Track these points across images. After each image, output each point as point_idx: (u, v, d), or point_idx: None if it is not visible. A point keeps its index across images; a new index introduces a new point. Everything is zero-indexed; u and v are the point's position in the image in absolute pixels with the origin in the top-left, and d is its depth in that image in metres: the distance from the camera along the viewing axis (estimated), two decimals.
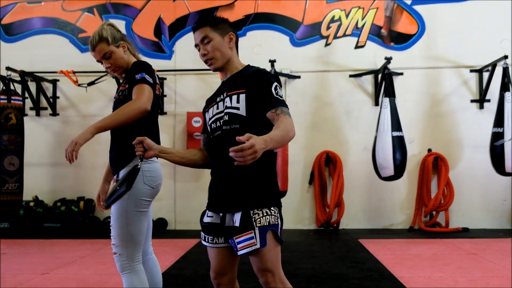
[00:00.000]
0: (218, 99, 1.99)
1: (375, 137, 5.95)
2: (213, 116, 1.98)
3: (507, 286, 3.46)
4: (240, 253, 1.83)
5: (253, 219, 1.81)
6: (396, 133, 5.78)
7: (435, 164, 6.37)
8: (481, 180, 6.43)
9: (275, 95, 1.85)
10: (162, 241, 5.56)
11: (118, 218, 2.16)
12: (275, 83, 1.88)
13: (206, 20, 2.03)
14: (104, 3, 6.99)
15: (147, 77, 2.15)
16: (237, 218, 1.85)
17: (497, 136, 5.74)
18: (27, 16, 7.08)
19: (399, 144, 5.78)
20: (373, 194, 6.58)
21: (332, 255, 4.67)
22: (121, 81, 2.33)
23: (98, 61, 2.29)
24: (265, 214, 1.83)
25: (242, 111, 1.87)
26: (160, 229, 6.44)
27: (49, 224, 6.14)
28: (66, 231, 6.11)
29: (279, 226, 1.87)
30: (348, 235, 5.99)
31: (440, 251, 4.84)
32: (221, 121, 1.92)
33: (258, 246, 1.78)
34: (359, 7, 6.78)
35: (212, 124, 1.98)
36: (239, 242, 1.81)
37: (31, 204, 6.34)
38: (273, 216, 1.84)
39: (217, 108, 1.97)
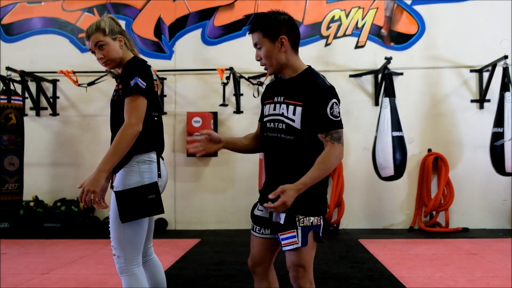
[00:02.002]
0: (275, 99, 2.02)
1: (375, 137, 5.95)
2: (269, 115, 2.03)
3: (507, 286, 3.46)
4: (284, 249, 1.93)
5: (297, 218, 1.91)
6: (396, 133, 5.78)
7: (435, 164, 6.37)
8: (481, 180, 6.42)
9: (329, 116, 1.89)
10: (162, 241, 5.56)
11: (115, 220, 2.11)
12: (333, 101, 1.91)
13: (257, 25, 1.97)
14: (104, 3, 6.99)
15: (140, 82, 2.06)
16: (282, 216, 1.93)
17: (497, 136, 5.74)
18: (27, 16, 7.07)
19: (399, 144, 5.78)
20: (373, 194, 6.58)
21: (332, 255, 4.67)
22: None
23: (91, 50, 2.19)
24: (308, 217, 1.93)
25: (297, 124, 1.93)
26: (160, 229, 6.43)
27: (49, 224, 6.14)
28: (66, 231, 6.10)
29: (321, 227, 1.97)
30: (348, 235, 5.99)
31: (440, 251, 4.84)
32: (278, 126, 1.98)
33: (299, 245, 1.89)
34: (359, 7, 6.78)
35: (267, 123, 2.03)
36: (283, 239, 1.91)
37: (31, 204, 6.34)
38: (316, 218, 1.95)
39: (274, 109, 2.01)
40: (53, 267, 4.24)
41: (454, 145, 6.52)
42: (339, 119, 1.93)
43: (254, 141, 2.19)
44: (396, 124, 5.81)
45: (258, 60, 2.00)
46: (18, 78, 6.45)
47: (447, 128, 6.56)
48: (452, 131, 6.55)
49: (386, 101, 5.89)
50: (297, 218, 1.90)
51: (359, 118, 6.64)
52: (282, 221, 1.92)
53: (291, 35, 1.96)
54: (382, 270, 4.01)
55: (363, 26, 6.76)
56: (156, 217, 2.27)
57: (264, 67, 2.01)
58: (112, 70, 2.30)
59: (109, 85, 6.63)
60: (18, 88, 6.48)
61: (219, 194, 6.55)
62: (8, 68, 6.13)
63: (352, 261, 4.39)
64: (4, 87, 5.92)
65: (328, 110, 1.89)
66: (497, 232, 6.11)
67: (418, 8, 6.69)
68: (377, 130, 5.93)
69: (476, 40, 6.54)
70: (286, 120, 1.94)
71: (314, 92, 1.91)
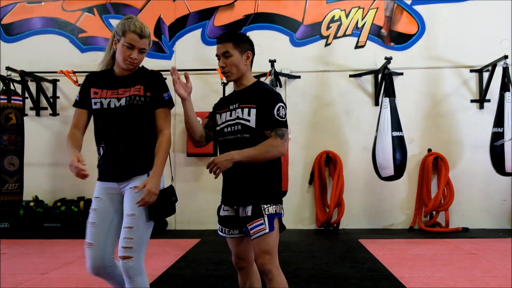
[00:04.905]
0: (231, 107, 2.31)
1: (375, 137, 5.94)
2: (226, 121, 2.31)
3: (507, 286, 3.46)
4: (253, 237, 2.19)
5: (262, 208, 2.20)
6: (396, 133, 5.78)
7: (435, 164, 6.37)
8: (481, 180, 6.42)
9: (276, 116, 2.21)
10: (162, 241, 5.56)
11: (141, 220, 2.19)
12: (280, 104, 2.24)
13: (230, 37, 2.30)
14: (104, 3, 6.99)
15: (171, 96, 2.36)
16: (249, 209, 2.22)
17: (497, 136, 5.73)
18: (27, 16, 7.08)
19: (399, 144, 5.77)
20: (373, 194, 6.58)
21: (332, 255, 4.67)
22: (125, 73, 2.30)
23: (132, 47, 2.23)
24: (271, 205, 2.22)
25: (252, 123, 2.23)
26: (160, 229, 6.43)
27: (49, 224, 6.14)
28: (66, 231, 6.10)
29: (282, 215, 2.27)
30: (348, 235, 5.99)
31: (440, 251, 4.84)
32: (235, 128, 2.26)
33: (267, 230, 2.17)
34: (359, 7, 6.78)
35: (225, 128, 2.31)
36: (251, 228, 2.19)
37: (31, 204, 6.34)
38: (278, 207, 2.25)
39: (230, 116, 2.29)
40: (53, 267, 4.24)
41: (454, 145, 6.52)
42: (284, 120, 2.24)
43: (200, 130, 2.41)
44: (396, 124, 5.80)
45: (223, 67, 2.30)
46: (18, 78, 6.45)
47: (447, 128, 6.56)
48: (452, 131, 6.55)
49: (386, 101, 5.89)
50: (262, 208, 2.19)
51: (359, 118, 6.64)
52: (249, 213, 2.20)
53: (253, 53, 2.34)
54: (382, 270, 4.01)
55: (363, 26, 6.76)
56: None
57: (225, 74, 2.30)
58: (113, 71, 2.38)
59: None
60: (18, 88, 6.49)
61: (219, 194, 6.52)
62: (8, 68, 6.13)
63: (352, 261, 4.39)
64: (4, 87, 5.92)
65: (275, 111, 2.21)
66: (497, 232, 6.11)
67: (418, 8, 6.69)
68: (377, 130, 5.93)
69: (476, 40, 6.54)
70: (242, 121, 2.24)
71: (264, 96, 2.24)
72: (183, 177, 6.69)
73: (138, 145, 2.26)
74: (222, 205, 2.38)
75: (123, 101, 2.26)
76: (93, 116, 2.37)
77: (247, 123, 2.23)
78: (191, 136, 2.41)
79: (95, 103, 2.31)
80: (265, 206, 2.19)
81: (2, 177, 5.63)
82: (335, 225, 6.36)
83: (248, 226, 2.20)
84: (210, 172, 2.15)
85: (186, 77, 2.34)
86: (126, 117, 2.26)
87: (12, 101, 5.79)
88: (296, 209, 6.59)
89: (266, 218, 2.18)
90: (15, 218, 6.11)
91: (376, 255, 4.62)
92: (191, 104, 2.35)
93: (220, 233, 2.39)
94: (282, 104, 2.25)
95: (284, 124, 2.24)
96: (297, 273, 3.92)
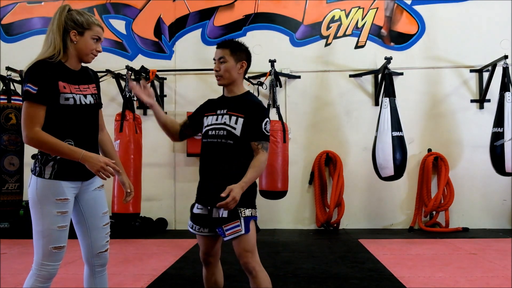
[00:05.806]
0: (218, 112, 2.44)
1: (375, 137, 5.94)
2: (212, 124, 2.43)
3: (507, 286, 3.46)
4: (226, 239, 2.31)
5: (239, 211, 2.30)
6: (396, 133, 5.77)
7: (435, 164, 6.37)
8: (481, 180, 6.42)
9: (263, 130, 2.37)
10: (162, 241, 5.56)
11: None
12: (267, 119, 2.41)
13: (229, 44, 2.45)
14: (104, 3, 6.99)
15: None
16: (224, 211, 2.30)
17: (497, 136, 5.73)
18: (27, 16, 7.08)
19: (399, 144, 5.77)
20: (373, 194, 6.58)
21: (332, 255, 4.67)
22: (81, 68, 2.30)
23: (99, 39, 2.30)
24: (247, 209, 2.34)
25: (237, 132, 2.36)
26: (160, 229, 6.43)
27: None
28: None
29: (257, 218, 2.40)
30: (348, 235, 5.99)
31: (440, 251, 4.84)
32: (220, 133, 2.38)
33: (243, 232, 2.29)
34: (359, 7, 6.78)
35: (210, 131, 2.43)
36: (227, 230, 2.30)
37: None
38: (254, 210, 2.37)
39: (217, 120, 2.42)
40: None
41: (454, 145, 6.52)
42: (269, 134, 2.41)
43: (175, 127, 2.61)
44: (396, 124, 5.80)
45: (216, 71, 2.43)
46: (18, 78, 6.44)
47: (447, 128, 6.56)
48: (452, 131, 6.55)
49: (386, 101, 5.89)
50: (239, 210, 2.29)
51: (359, 118, 6.64)
52: (225, 215, 2.30)
53: (248, 63, 2.48)
54: (382, 270, 4.01)
55: (363, 26, 6.76)
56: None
57: (217, 78, 2.45)
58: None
59: (109, 85, 6.61)
60: (18, 88, 6.47)
61: None
62: (8, 68, 6.12)
63: (352, 261, 4.39)
64: (4, 87, 5.92)
65: (263, 125, 2.37)
66: (497, 232, 6.11)
67: (418, 8, 6.69)
68: (377, 130, 5.93)
69: (476, 40, 6.55)
70: (228, 128, 2.37)
71: (253, 109, 2.39)
72: (183, 177, 6.70)
73: (97, 143, 2.32)
74: (196, 204, 2.50)
75: (90, 99, 2.22)
76: (57, 111, 2.10)
77: (232, 130, 2.36)
78: (167, 133, 2.62)
79: (67, 99, 2.12)
80: (242, 209, 2.30)
81: (2, 177, 5.63)
82: (335, 225, 6.36)
83: (224, 227, 2.30)
84: (225, 205, 2.19)
85: (144, 85, 2.49)
86: (94, 115, 2.26)
87: (12, 101, 5.79)
88: (296, 209, 6.59)
89: (242, 221, 2.29)
90: (15, 218, 6.11)
91: (376, 255, 4.62)
92: (157, 106, 2.52)
93: (190, 229, 2.49)
94: (268, 120, 2.42)
95: (269, 138, 2.42)
96: (297, 273, 3.92)
